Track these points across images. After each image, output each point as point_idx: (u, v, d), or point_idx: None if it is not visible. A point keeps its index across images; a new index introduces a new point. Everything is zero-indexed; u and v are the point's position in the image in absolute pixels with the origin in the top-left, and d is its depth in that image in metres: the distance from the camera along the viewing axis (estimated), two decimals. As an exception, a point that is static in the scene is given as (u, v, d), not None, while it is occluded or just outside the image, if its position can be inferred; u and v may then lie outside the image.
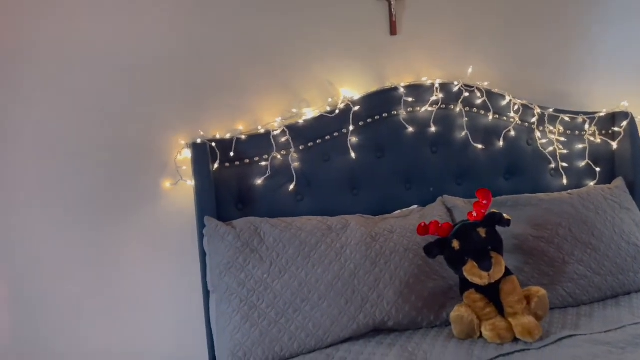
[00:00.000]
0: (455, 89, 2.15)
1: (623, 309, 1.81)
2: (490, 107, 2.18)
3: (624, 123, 2.31)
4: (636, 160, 2.31)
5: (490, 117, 2.18)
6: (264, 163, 1.95)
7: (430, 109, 2.12)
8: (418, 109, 2.12)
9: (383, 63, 2.16)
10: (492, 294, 1.67)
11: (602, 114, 2.32)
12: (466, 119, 2.16)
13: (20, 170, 1.82)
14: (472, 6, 2.24)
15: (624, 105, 2.36)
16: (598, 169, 2.30)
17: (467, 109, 2.17)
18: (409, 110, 2.11)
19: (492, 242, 1.63)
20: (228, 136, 1.94)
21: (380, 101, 2.08)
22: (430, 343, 1.64)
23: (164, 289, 1.94)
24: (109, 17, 1.87)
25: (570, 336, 1.62)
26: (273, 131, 1.96)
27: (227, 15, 1.98)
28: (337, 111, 2.02)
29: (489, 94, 2.19)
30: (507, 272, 1.69)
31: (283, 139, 1.97)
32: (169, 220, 1.95)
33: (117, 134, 1.91)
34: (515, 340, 1.62)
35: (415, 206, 2.07)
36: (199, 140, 1.88)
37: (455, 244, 1.63)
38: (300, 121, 2.01)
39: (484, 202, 1.66)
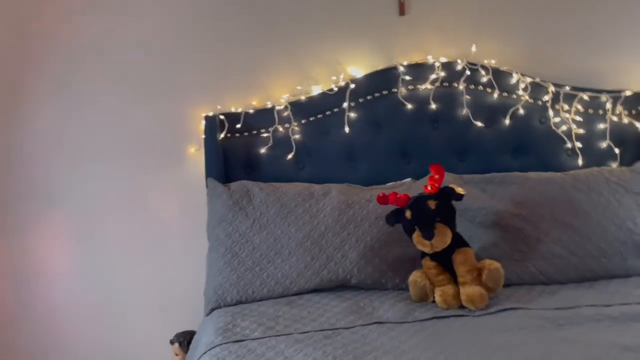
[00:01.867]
0: (459, 67, 2.20)
1: (593, 291, 1.80)
2: (495, 85, 2.20)
3: (653, 103, 2.18)
4: (665, 143, 2.17)
5: (496, 95, 2.20)
6: (267, 134, 2.22)
7: (430, 86, 2.20)
8: (419, 86, 2.22)
9: (391, 42, 2.28)
10: (445, 262, 1.78)
11: (628, 93, 2.20)
12: (469, 96, 2.21)
13: (90, 133, 2.28)
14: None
15: (658, 83, 2.21)
16: (617, 150, 2.21)
17: (472, 86, 2.22)
18: (409, 88, 2.22)
19: (441, 214, 1.74)
20: (240, 110, 2.24)
21: (380, 79, 2.22)
22: (382, 301, 1.81)
23: (186, 233, 2.32)
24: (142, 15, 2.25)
25: (514, 309, 1.68)
26: (277, 106, 2.22)
27: (243, 3, 2.25)
28: (335, 89, 2.20)
29: (496, 72, 2.21)
30: (463, 244, 1.79)
31: (285, 114, 2.21)
32: (192, 179, 2.30)
33: (155, 108, 2.29)
34: (462, 307, 1.73)
35: (409, 179, 2.19)
36: (211, 113, 2.20)
37: (408, 214, 1.77)
38: (303, 98, 2.23)
39: (437, 176, 1.76)
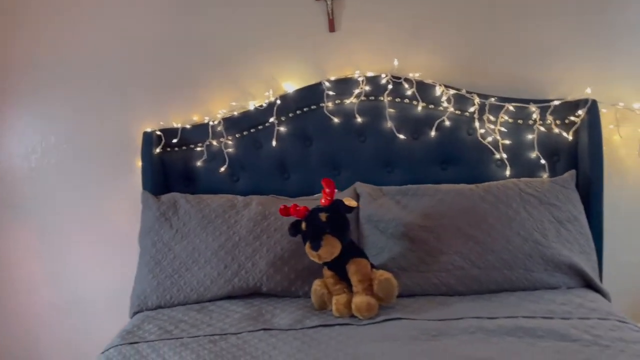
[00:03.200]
0: (383, 81, 2.25)
1: (491, 304, 1.81)
2: (419, 97, 2.23)
3: (580, 112, 2.15)
4: (594, 152, 2.12)
5: (420, 108, 2.24)
6: (200, 148, 2.35)
7: (355, 100, 2.27)
8: (345, 101, 2.29)
9: (322, 58, 2.35)
10: (342, 272, 1.85)
11: (556, 103, 2.18)
12: (392, 109, 2.25)
13: (51, 149, 2.51)
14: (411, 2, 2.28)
15: (587, 92, 2.18)
16: (544, 161, 2.19)
17: (398, 100, 2.26)
18: (336, 102, 2.29)
19: (331, 226, 1.81)
20: (179, 125, 2.38)
21: (308, 94, 2.30)
22: (283, 308, 1.90)
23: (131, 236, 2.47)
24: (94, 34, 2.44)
25: (398, 319, 1.73)
26: (212, 122, 2.35)
27: (182, 22, 2.38)
28: (265, 104, 2.31)
29: (420, 84, 2.24)
30: (358, 254, 1.85)
31: (219, 129, 2.34)
32: (139, 190, 2.47)
33: (109, 125, 2.47)
34: (353, 316, 1.79)
35: (335, 190, 2.26)
36: (149, 129, 2.36)
37: (303, 226, 1.85)
38: (236, 113, 2.35)
39: (327, 190, 1.83)
